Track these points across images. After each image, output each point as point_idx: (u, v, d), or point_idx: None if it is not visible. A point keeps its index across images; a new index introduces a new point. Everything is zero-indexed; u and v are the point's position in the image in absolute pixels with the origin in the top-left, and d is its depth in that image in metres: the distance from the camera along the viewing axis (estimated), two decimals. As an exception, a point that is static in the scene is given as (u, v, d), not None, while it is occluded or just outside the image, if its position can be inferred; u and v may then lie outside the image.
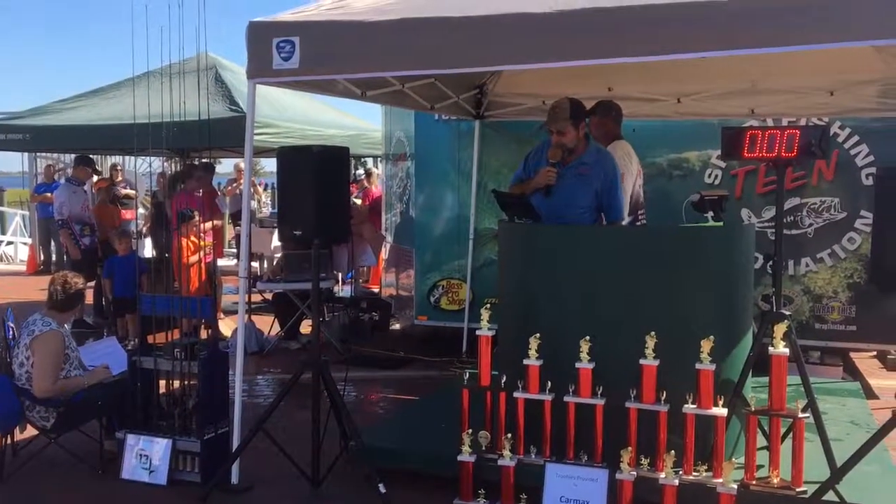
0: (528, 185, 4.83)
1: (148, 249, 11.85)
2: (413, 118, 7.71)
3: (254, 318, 8.35)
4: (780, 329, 3.94)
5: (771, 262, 4.31)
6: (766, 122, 6.52)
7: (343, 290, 10.11)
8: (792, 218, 6.75)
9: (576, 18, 3.72)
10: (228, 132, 6.98)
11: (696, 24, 3.55)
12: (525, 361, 4.16)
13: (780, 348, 3.94)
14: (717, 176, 6.98)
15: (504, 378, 4.27)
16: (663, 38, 3.61)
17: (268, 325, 8.48)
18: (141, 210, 12.90)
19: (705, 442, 3.98)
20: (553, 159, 4.73)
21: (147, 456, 4.63)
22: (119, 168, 13.25)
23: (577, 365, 4.03)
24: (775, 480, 3.94)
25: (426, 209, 7.82)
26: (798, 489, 3.87)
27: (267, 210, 15.13)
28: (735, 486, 3.70)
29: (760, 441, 4.09)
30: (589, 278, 4.30)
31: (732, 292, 4.39)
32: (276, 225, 9.16)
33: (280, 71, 4.26)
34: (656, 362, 3.91)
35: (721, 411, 3.91)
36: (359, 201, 10.86)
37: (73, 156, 10.48)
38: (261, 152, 8.99)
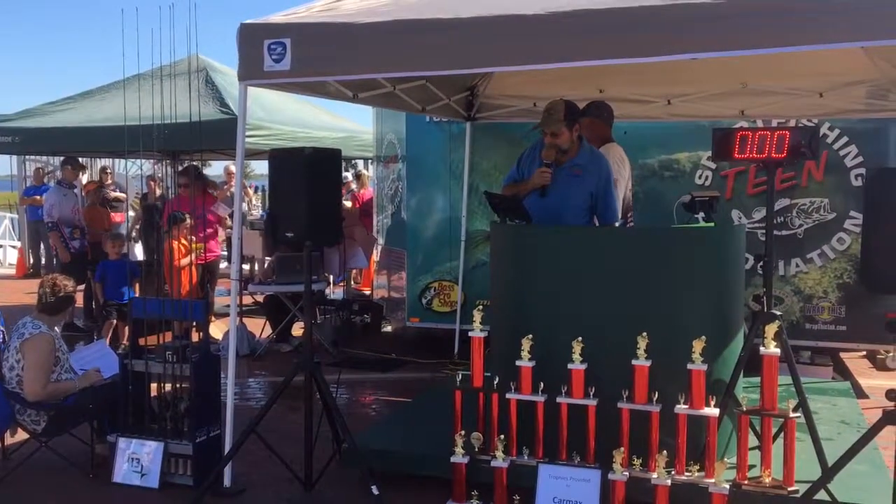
0: (523, 187, 4.85)
1: (139, 253, 11.83)
2: (404, 120, 7.71)
3: (245, 320, 8.32)
4: (771, 329, 3.96)
5: (762, 263, 4.33)
6: (757, 123, 6.55)
7: (335, 293, 10.12)
8: (782, 219, 6.79)
9: (567, 20, 3.72)
10: (219, 134, 6.97)
11: (687, 26, 3.56)
12: (517, 362, 4.17)
13: (772, 348, 3.95)
14: (707, 177, 7.00)
15: (496, 379, 4.28)
16: (654, 40, 3.62)
17: (259, 327, 8.46)
18: (131, 213, 12.85)
19: (697, 442, 4.00)
20: (547, 160, 4.75)
21: (139, 459, 4.61)
22: (109, 171, 13.21)
23: (570, 366, 4.04)
24: (767, 480, 3.96)
25: (418, 211, 7.82)
26: (790, 488, 3.89)
27: (257, 212, 15.09)
28: (727, 486, 3.72)
29: (752, 441, 4.11)
30: (581, 279, 4.31)
31: (723, 293, 4.41)
32: (264, 228, 9.18)
33: (271, 73, 4.25)
34: (648, 363, 3.93)
35: (713, 411, 3.92)
36: (349, 204, 10.86)
37: (62, 159, 10.43)
38: (251, 155, 8.98)
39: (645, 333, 3.92)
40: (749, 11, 3.46)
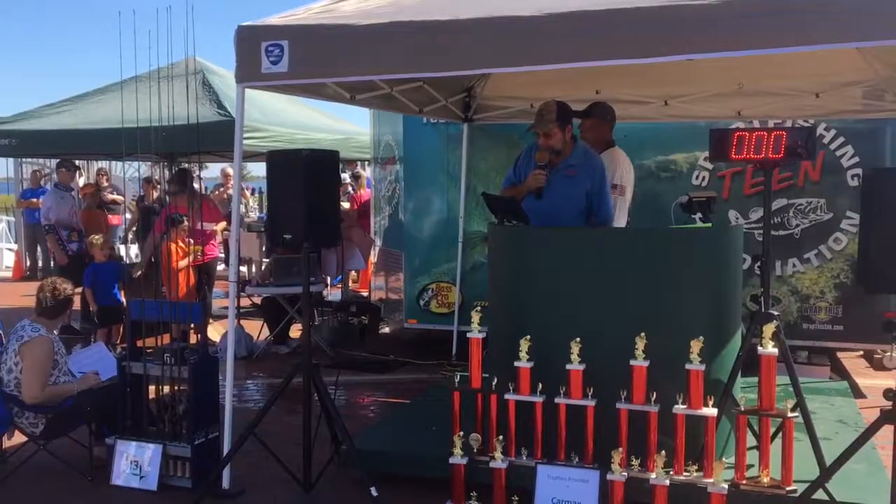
0: (519, 190, 4.87)
1: (133, 255, 11.81)
2: (402, 122, 7.72)
3: (243, 322, 8.32)
4: (768, 329, 3.97)
5: (759, 263, 4.33)
6: (753, 123, 6.57)
7: (332, 294, 10.11)
8: (779, 219, 6.80)
9: (564, 21, 3.73)
10: (216, 136, 6.96)
11: (684, 27, 3.57)
12: (516, 363, 4.17)
13: (769, 348, 3.96)
14: (704, 177, 7.02)
15: (495, 380, 4.28)
16: (651, 41, 3.62)
17: (257, 329, 8.45)
18: (128, 215, 12.85)
19: (696, 442, 4.00)
20: (541, 161, 4.76)
21: (137, 462, 4.61)
22: (105, 173, 13.20)
23: (568, 366, 4.04)
24: (765, 480, 3.96)
25: (415, 212, 7.83)
26: (788, 488, 3.90)
27: (254, 214, 15.09)
28: (725, 486, 3.73)
29: (750, 441, 4.12)
30: (579, 280, 4.32)
31: (721, 293, 4.42)
32: (262, 229, 9.17)
33: (269, 75, 4.25)
34: (646, 363, 3.93)
35: (711, 411, 3.93)
36: (346, 205, 10.86)
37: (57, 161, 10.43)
38: (248, 157, 8.97)
39: (643, 334, 3.93)
40: (746, 12, 3.47)
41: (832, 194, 6.77)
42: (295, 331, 8.36)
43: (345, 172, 14.17)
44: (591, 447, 4.01)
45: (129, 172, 13.96)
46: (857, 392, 6.25)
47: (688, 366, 3.89)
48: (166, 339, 4.96)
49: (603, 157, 5.46)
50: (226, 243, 9.53)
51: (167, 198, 8.26)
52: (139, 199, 12.33)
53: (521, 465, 4.13)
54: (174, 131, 4.92)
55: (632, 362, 3.94)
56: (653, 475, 3.80)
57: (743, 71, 5.99)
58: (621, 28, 3.66)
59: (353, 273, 11.07)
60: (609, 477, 3.83)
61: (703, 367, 3.89)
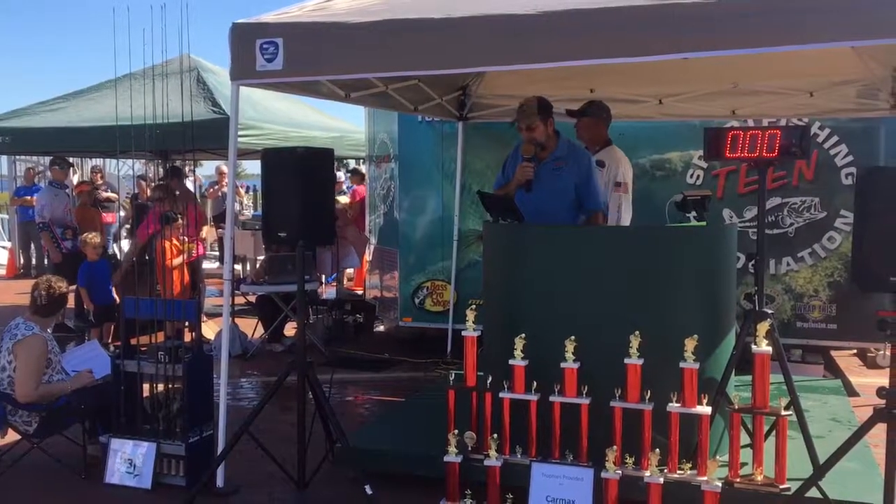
0: (510, 186, 4.91)
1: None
2: (397, 120, 7.71)
3: (237, 320, 8.31)
4: (762, 328, 3.98)
5: (753, 262, 4.34)
6: (748, 122, 6.58)
7: (327, 293, 10.11)
8: (773, 217, 6.81)
9: (558, 19, 3.73)
10: (211, 134, 6.96)
11: (678, 26, 3.57)
12: (510, 362, 4.18)
13: (763, 347, 3.97)
14: (699, 176, 7.03)
15: (490, 378, 4.28)
16: (645, 40, 3.63)
17: (251, 327, 8.44)
18: (122, 213, 12.81)
19: (690, 440, 4.01)
20: (526, 155, 4.85)
21: (131, 460, 4.60)
22: (100, 171, 13.16)
23: (563, 365, 4.05)
24: (759, 478, 3.97)
25: (410, 211, 7.82)
26: (781, 486, 3.91)
27: (249, 212, 15.07)
28: (719, 484, 3.74)
29: (744, 439, 4.13)
30: (573, 278, 4.32)
31: (715, 291, 4.43)
32: (258, 227, 9.15)
33: (263, 72, 4.25)
34: (641, 361, 3.94)
35: (705, 410, 3.94)
36: (345, 199, 10.84)
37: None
38: (243, 154, 8.96)
39: (637, 332, 3.93)
40: (741, 11, 3.48)
41: (826, 193, 6.79)
42: (289, 329, 8.35)
43: (339, 171, 14.16)
44: (586, 445, 4.02)
45: (123, 170, 13.91)
46: (850, 390, 6.26)
47: (682, 364, 3.90)
48: (160, 336, 4.94)
49: (602, 155, 5.49)
50: (220, 241, 9.51)
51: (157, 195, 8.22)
52: (133, 196, 12.30)
53: (516, 463, 4.13)
54: (168, 129, 4.91)
55: (626, 360, 3.95)
56: (647, 473, 3.81)
57: (737, 70, 6.00)
58: (616, 26, 3.67)
59: (348, 271, 11.06)
60: (603, 475, 3.83)
61: (697, 366, 3.90)
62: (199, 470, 4.49)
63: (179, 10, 4.40)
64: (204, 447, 4.64)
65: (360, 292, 10.48)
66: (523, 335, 4.16)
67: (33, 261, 13.73)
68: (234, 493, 4.48)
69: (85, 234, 7.98)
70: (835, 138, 6.75)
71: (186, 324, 5.52)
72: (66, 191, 9.86)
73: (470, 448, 4.24)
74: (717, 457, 4.00)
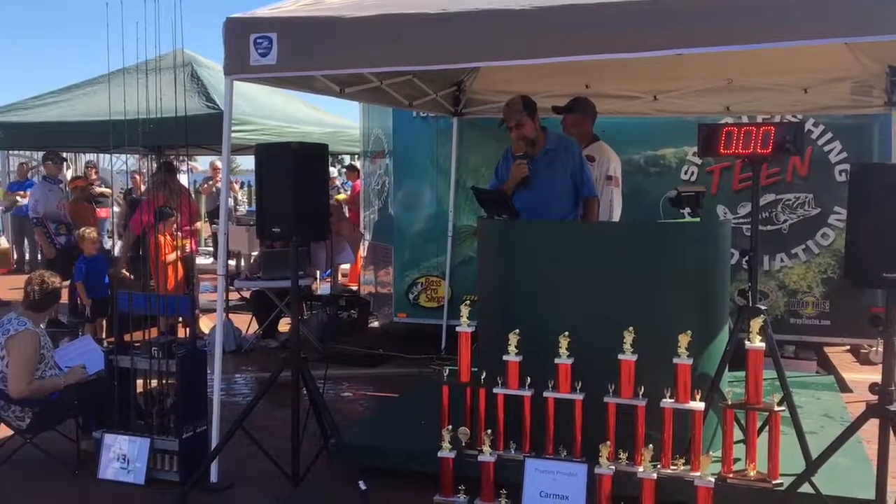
0: (507, 186, 4.95)
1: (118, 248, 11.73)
2: (391, 115, 7.70)
3: (231, 316, 8.29)
4: (756, 324, 3.99)
5: (747, 258, 4.35)
6: (742, 119, 6.59)
7: (321, 288, 10.10)
8: (767, 214, 6.83)
9: (553, 15, 3.73)
10: (205, 129, 6.92)
11: (674, 22, 3.57)
12: (504, 357, 4.18)
13: (756, 343, 3.98)
14: (693, 172, 7.04)
15: (484, 374, 4.28)
16: (640, 35, 3.63)
17: (245, 323, 8.43)
18: (116, 208, 12.78)
19: (683, 436, 4.02)
20: (518, 152, 4.88)
21: (125, 455, 4.59)
22: (93, 166, 13.12)
23: (556, 360, 4.05)
24: (752, 473, 3.99)
25: (405, 206, 7.82)
26: (774, 481, 3.92)
27: (243, 208, 15.05)
28: (712, 479, 3.74)
29: (737, 434, 4.14)
30: (568, 274, 4.32)
31: (709, 287, 4.43)
32: (252, 223, 9.15)
33: (258, 67, 4.24)
34: (634, 357, 3.95)
35: (698, 405, 3.95)
36: (342, 196, 10.82)
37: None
38: (237, 150, 8.94)
39: (631, 328, 3.94)
40: (735, 7, 3.48)
41: (820, 190, 6.80)
42: (284, 325, 8.34)
43: (334, 166, 14.14)
44: (579, 441, 4.03)
45: (116, 165, 13.88)
46: (843, 386, 6.28)
47: (675, 360, 3.91)
48: (154, 332, 4.93)
49: (591, 150, 5.50)
50: (214, 237, 9.49)
51: (151, 185, 8.21)
52: (127, 191, 12.28)
53: (510, 458, 4.14)
54: (162, 124, 4.89)
55: (620, 356, 3.96)
56: (640, 469, 3.81)
57: (732, 66, 6.01)
58: (611, 22, 3.67)
59: (342, 267, 11.05)
60: (597, 470, 3.84)
61: (690, 361, 3.91)
62: (192, 465, 4.48)
63: (173, 5, 4.39)
64: (198, 443, 4.64)
65: (354, 288, 10.48)
66: (517, 331, 4.16)
67: (27, 256, 13.69)
68: (227, 488, 4.48)
69: (83, 229, 7.97)
70: (829, 135, 6.76)
71: (180, 319, 5.51)
72: (60, 186, 9.83)
73: (464, 443, 4.24)
74: (711, 452, 4.01)
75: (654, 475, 3.80)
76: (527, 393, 4.14)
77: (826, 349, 7.39)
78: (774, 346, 4.30)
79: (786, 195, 6.87)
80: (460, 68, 6.67)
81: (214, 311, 5.21)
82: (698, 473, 3.77)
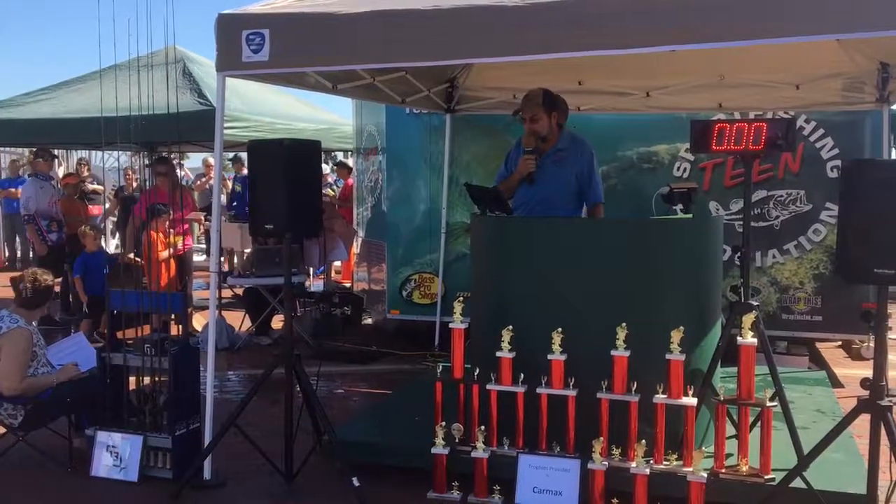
0: (512, 178, 4.94)
1: (112, 246, 11.70)
2: (384, 112, 7.69)
3: (224, 313, 8.28)
4: (748, 320, 4.00)
5: (739, 254, 4.37)
6: (734, 115, 6.60)
7: (315, 285, 10.09)
8: (759, 210, 6.84)
9: (546, 11, 3.72)
10: (197, 126, 6.90)
11: (666, 18, 3.57)
12: (498, 354, 4.18)
13: (749, 339, 3.99)
14: (685, 169, 7.05)
15: (477, 370, 4.29)
16: (633, 32, 3.63)
17: (238, 320, 8.42)
18: (107, 205, 12.73)
19: (675, 431, 4.03)
20: (527, 147, 4.86)
21: (118, 453, 4.58)
22: (85, 163, 13.07)
23: (549, 356, 4.06)
24: (744, 468, 4.00)
25: (398, 203, 7.81)
26: (766, 476, 3.94)
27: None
28: (705, 475, 3.76)
29: (729, 430, 4.15)
30: (560, 270, 4.33)
31: (702, 283, 4.44)
32: (246, 220, 9.12)
33: (250, 63, 4.22)
34: (627, 353, 3.95)
35: (691, 401, 3.96)
36: (331, 192, 10.81)
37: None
38: (230, 147, 8.93)
39: (624, 324, 3.95)
40: (727, 4, 3.48)
41: (812, 186, 6.82)
42: (277, 322, 8.33)
43: (327, 163, 14.11)
44: (573, 437, 4.03)
45: (108, 162, 13.81)
46: (835, 382, 6.31)
47: (668, 356, 3.92)
48: (146, 329, 4.92)
49: None
50: (206, 234, 9.47)
51: (146, 184, 8.18)
52: (118, 189, 12.23)
53: (503, 454, 4.14)
54: (154, 121, 4.87)
55: (613, 352, 3.96)
56: (633, 464, 3.83)
57: (724, 63, 6.02)
58: (604, 18, 3.66)
59: (335, 264, 11.04)
60: (590, 466, 3.85)
61: (683, 357, 3.92)
62: (185, 463, 4.47)
63: (165, 1, 4.37)
64: (191, 440, 4.63)
65: (347, 285, 10.47)
66: (510, 327, 4.17)
67: (18, 253, 13.63)
68: (221, 485, 4.47)
69: (83, 227, 7.98)
70: (820, 131, 6.78)
71: (173, 316, 5.49)
72: (52, 183, 9.79)
73: (457, 440, 4.25)
74: (703, 448, 4.02)
75: (647, 470, 3.81)
76: (520, 389, 4.15)
77: (818, 345, 7.41)
78: (766, 342, 4.31)
79: (778, 191, 6.89)
80: (453, 65, 6.66)
81: (207, 308, 5.20)
82: (691, 469, 3.79)
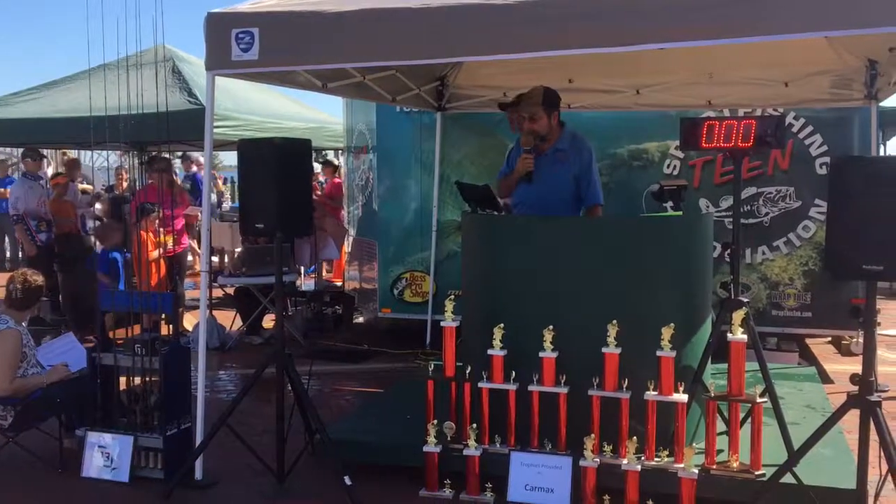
0: (511, 177, 4.93)
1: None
2: (375, 110, 7.69)
3: (215, 313, 8.26)
4: (738, 316, 4.01)
5: (729, 251, 4.38)
6: (723, 112, 6.62)
7: (306, 284, 10.07)
8: (749, 207, 6.87)
9: (536, 9, 3.73)
10: (187, 125, 6.88)
11: (656, 16, 3.58)
12: (489, 351, 4.19)
13: (739, 335, 4.01)
14: (675, 166, 7.06)
15: (468, 368, 4.29)
16: (622, 30, 3.63)
17: (229, 320, 8.40)
18: (98, 206, 12.68)
19: (666, 428, 4.04)
20: (526, 146, 4.84)
21: (108, 453, 4.57)
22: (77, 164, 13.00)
23: (541, 354, 4.07)
24: (735, 464, 4.02)
25: (389, 202, 7.81)
26: (757, 472, 3.96)
27: (227, 204, 14.97)
28: (696, 471, 3.78)
29: (720, 426, 4.17)
30: (551, 268, 4.33)
31: (692, 280, 4.46)
32: (236, 219, 9.10)
33: (239, 62, 4.22)
34: (618, 350, 3.97)
35: (682, 397, 3.97)
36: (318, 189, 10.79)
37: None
38: (220, 145, 8.89)
39: (615, 321, 3.96)
40: (716, 2, 3.49)
41: (801, 183, 6.85)
42: (268, 321, 8.31)
43: (317, 161, 14.08)
44: (564, 434, 4.04)
45: (97, 162, 13.76)
46: (824, 377, 6.34)
47: (659, 352, 3.93)
48: (137, 329, 4.90)
49: None
50: (197, 233, 9.44)
51: (136, 184, 8.15)
52: (108, 188, 12.18)
53: (495, 452, 4.15)
54: (144, 120, 4.85)
55: (604, 349, 3.98)
56: (624, 461, 3.84)
57: (713, 60, 6.03)
58: (595, 16, 3.66)
59: (326, 263, 11.03)
60: (581, 463, 3.86)
61: (673, 354, 3.93)
62: (177, 463, 4.46)
63: (154, 0, 4.35)
64: (182, 440, 4.62)
65: (339, 284, 10.46)
66: (502, 325, 4.17)
67: (7, 254, 13.56)
68: (212, 485, 4.46)
69: (106, 221, 7.92)
70: (809, 128, 6.81)
71: (163, 316, 5.47)
72: (41, 182, 9.74)
73: (449, 438, 4.25)
74: (694, 444, 4.04)
75: (639, 467, 3.83)
76: (511, 387, 4.15)
77: (808, 341, 7.45)
78: (756, 338, 4.33)
79: (767, 188, 6.91)
80: (443, 63, 6.66)
81: (198, 307, 5.19)
82: (682, 465, 3.80)
